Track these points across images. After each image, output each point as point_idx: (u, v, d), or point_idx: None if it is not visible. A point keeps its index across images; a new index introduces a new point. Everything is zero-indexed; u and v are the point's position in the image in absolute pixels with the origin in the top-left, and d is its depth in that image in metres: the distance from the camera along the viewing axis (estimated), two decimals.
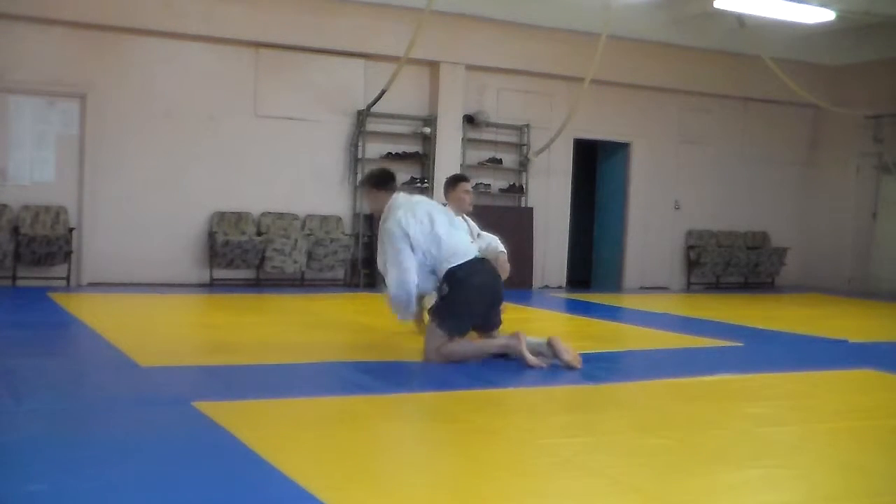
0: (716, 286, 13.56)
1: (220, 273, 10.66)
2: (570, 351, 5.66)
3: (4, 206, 9.77)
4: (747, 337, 7.62)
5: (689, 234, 13.53)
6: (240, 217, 10.75)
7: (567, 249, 12.72)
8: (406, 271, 5.69)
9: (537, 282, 12.32)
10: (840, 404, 5.07)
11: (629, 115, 12.91)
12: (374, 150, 11.48)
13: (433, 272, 5.79)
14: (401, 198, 5.90)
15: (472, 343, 5.89)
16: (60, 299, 8.57)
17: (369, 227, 11.43)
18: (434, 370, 5.77)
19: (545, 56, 11.97)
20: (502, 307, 6.06)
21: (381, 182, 6.05)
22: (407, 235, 5.68)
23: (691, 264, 13.38)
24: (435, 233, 5.71)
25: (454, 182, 7.00)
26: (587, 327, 8.07)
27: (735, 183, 13.78)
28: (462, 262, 5.72)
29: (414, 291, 5.75)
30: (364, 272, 11.32)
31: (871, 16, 10.55)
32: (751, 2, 9.94)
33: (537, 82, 12.28)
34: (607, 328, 7.96)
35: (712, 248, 13.44)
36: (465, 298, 5.71)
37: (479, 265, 5.82)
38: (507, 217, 12.07)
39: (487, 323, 5.96)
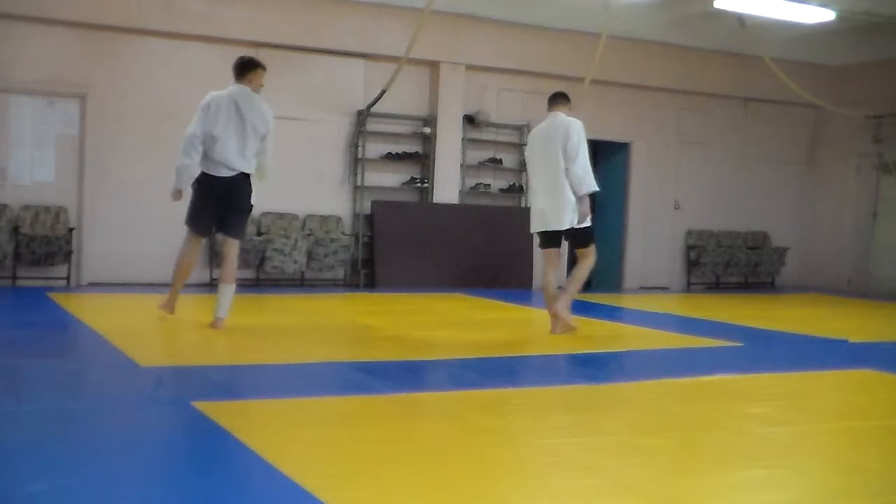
0: (716, 286, 13.55)
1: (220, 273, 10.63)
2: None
3: (4, 206, 9.77)
4: (747, 337, 7.62)
5: (689, 234, 13.54)
6: None
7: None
8: (186, 135, 6.59)
9: (537, 282, 12.29)
10: (840, 404, 5.07)
11: (629, 115, 12.91)
12: (374, 150, 11.48)
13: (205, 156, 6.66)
14: (234, 90, 6.67)
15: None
16: (60, 299, 8.57)
17: (369, 227, 11.44)
18: (435, 370, 5.78)
19: (545, 56, 11.97)
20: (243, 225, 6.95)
21: (234, 70, 6.80)
22: (205, 110, 6.59)
23: (691, 264, 13.38)
24: (216, 131, 6.53)
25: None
26: (587, 327, 8.06)
27: (735, 183, 13.78)
28: (211, 173, 6.63)
29: (187, 150, 6.57)
30: (364, 272, 11.32)
31: (871, 16, 10.55)
32: (751, 2, 9.94)
33: (537, 82, 12.25)
34: (607, 328, 7.96)
35: (712, 248, 13.44)
36: (197, 201, 6.78)
37: (218, 181, 6.62)
38: (507, 217, 12.09)
39: (224, 229, 6.90)
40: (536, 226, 7.32)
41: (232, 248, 6.92)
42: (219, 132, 6.55)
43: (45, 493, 2.95)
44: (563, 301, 7.19)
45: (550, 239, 7.32)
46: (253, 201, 6.84)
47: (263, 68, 6.86)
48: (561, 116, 7.21)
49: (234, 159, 6.61)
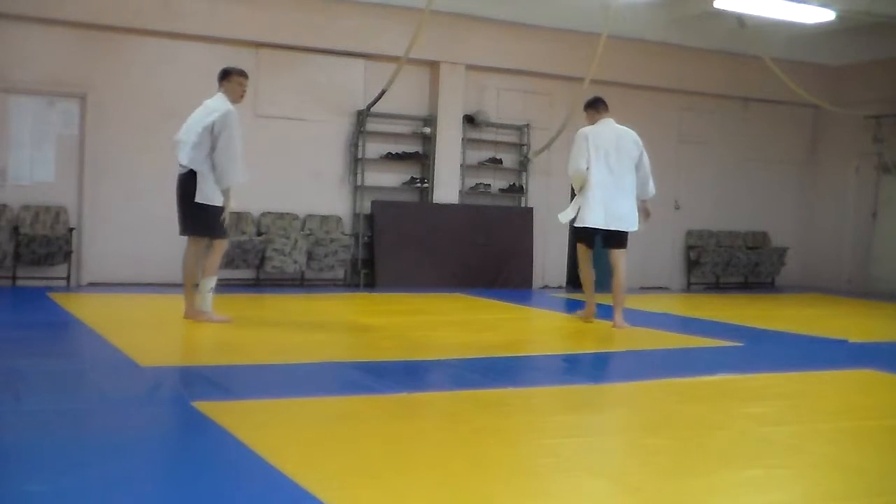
0: (716, 286, 13.55)
1: (220, 273, 10.50)
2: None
3: (4, 206, 9.77)
4: (747, 337, 7.62)
5: (689, 234, 13.54)
6: (240, 217, 10.75)
7: (567, 249, 12.71)
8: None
9: (537, 282, 12.31)
10: (840, 404, 5.07)
11: (629, 116, 12.84)
12: (374, 150, 11.48)
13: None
14: (217, 98, 7.11)
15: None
16: (60, 299, 8.57)
17: (369, 227, 11.44)
18: (435, 370, 5.78)
19: (545, 56, 11.97)
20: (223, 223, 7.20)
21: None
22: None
23: (691, 264, 13.38)
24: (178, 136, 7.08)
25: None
26: (587, 327, 8.07)
27: (735, 183, 13.78)
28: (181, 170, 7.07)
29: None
30: (364, 272, 11.32)
31: (871, 16, 10.55)
32: (751, 2, 9.94)
33: (537, 82, 12.27)
34: (607, 328, 7.95)
35: (712, 248, 13.44)
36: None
37: (179, 177, 7.07)
38: (507, 217, 12.09)
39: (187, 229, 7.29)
40: (601, 222, 7.88)
41: (210, 248, 7.31)
42: (180, 136, 7.08)
43: (45, 493, 2.95)
44: (619, 316, 7.89)
45: (596, 236, 8.00)
46: (203, 199, 6.98)
47: (239, 73, 7.24)
48: (616, 125, 8.10)
49: (183, 158, 7.02)
